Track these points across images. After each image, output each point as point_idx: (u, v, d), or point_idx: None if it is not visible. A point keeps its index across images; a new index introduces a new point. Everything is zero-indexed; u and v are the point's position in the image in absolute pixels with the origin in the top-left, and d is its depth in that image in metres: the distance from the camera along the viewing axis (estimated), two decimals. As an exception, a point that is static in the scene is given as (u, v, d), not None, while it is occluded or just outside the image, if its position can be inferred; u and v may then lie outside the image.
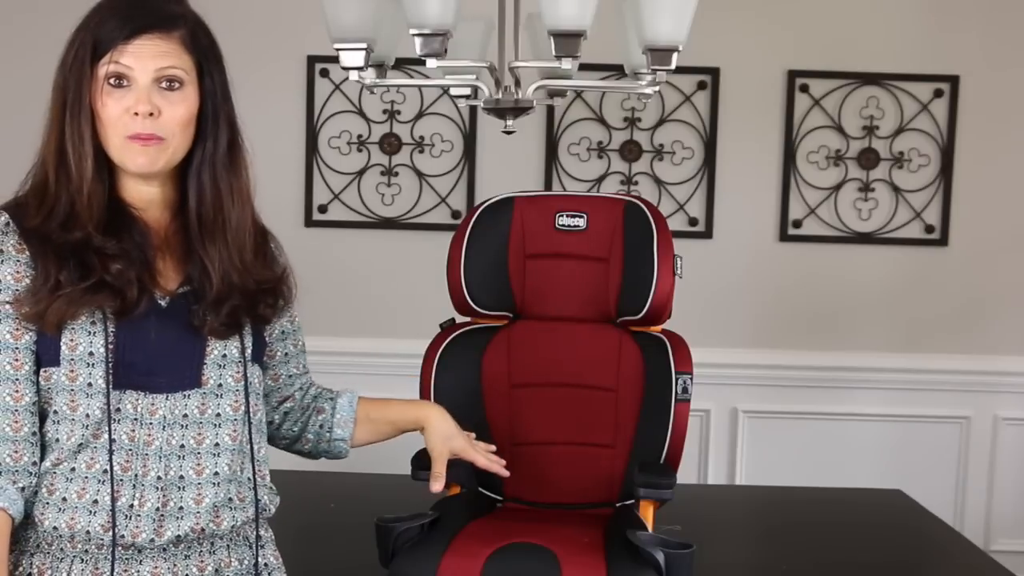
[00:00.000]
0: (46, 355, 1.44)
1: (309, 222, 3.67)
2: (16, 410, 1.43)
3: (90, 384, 1.44)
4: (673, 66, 1.80)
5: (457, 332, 2.12)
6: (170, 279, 1.51)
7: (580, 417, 2.07)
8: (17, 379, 1.44)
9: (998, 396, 3.70)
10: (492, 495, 2.09)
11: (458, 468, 1.99)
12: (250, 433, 1.55)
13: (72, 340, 1.43)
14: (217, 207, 1.52)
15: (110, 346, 1.44)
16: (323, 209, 3.68)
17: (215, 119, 1.51)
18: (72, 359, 1.44)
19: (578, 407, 2.07)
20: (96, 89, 1.43)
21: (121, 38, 1.43)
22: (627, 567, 1.73)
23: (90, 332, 1.44)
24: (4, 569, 1.41)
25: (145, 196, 1.51)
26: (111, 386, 1.44)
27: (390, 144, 3.68)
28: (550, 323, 2.12)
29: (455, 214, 3.66)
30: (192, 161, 1.51)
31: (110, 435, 1.44)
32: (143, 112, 1.43)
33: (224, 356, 1.52)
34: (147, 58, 1.43)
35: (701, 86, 3.65)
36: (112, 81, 1.44)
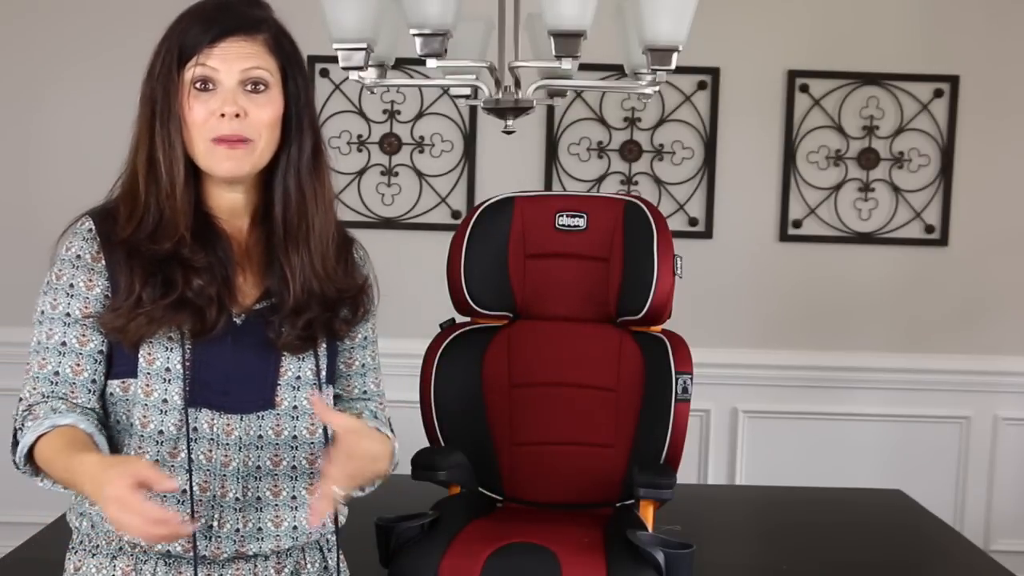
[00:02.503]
0: (125, 366, 1.44)
1: (309, 222, 3.67)
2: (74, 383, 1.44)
3: (165, 400, 1.43)
4: (673, 66, 1.80)
5: (457, 332, 2.12)
6: (247, 294, 1.49)
7: (580, 417, 2.07)
8: (74, 382, 1.44)
9: (998, 396, 3.71)
10: (492, 495, 2.09)
11: (458, 468, 2.00)
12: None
13: (150, 354, 1.43)
14: (301, 213, 1.50)
15: (187, 363, 1.43)
16: (323, 209, 3.68)
17: (299, 123, 1.50)
18: (149, 373, 1.43)
19: (578, 407, 2.07)
20: (183, 94, 1.43)
21: (206, 42, 1.43)
22: (627, 567, 1.73)
23: (167, 348, 1.43)
24: (98, 457, 1.35)
25: (230, 203, 1.50)
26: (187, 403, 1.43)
27: (390, 144, 3.68)
28: (550, 323, 2.12)
29: (455, 214, 3.66)
30: (277, 166, 1.50)
31: (189, 454, 1.44)
32: (229, 113, 1.42)
33: (298, 378, 1.50)
34: (232, 60, 1.43)
35: (701, 86, 3.65)
36: (198, 85, 1.43)
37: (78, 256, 1.45)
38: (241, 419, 1.46)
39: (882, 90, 3.64)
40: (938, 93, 3.64)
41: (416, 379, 2.08)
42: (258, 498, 1.48)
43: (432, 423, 2.06)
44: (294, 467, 1.50)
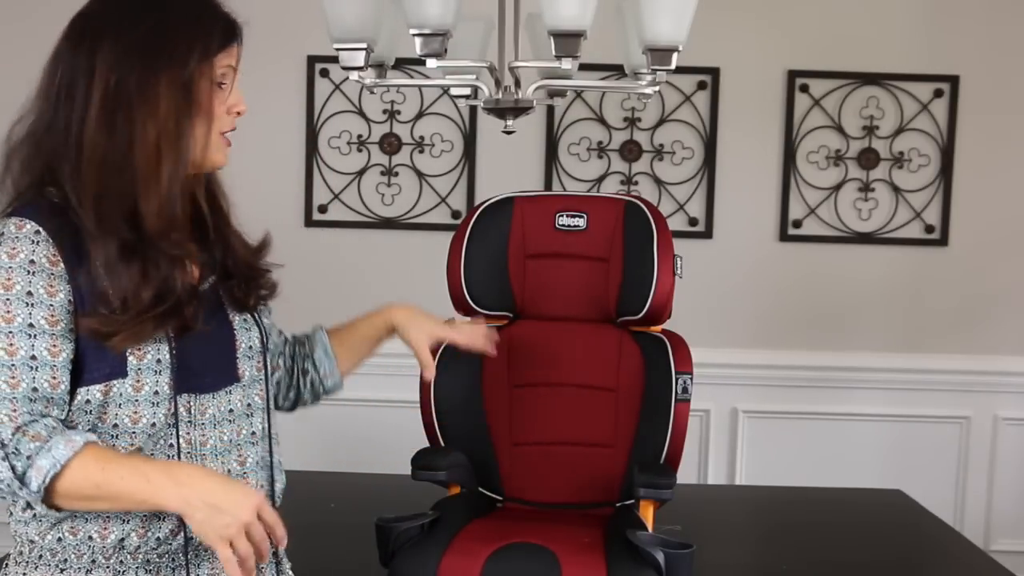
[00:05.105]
0: (105, 369, 1.38)
1: (309, 222, 3.67)
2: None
3: (156, 392, 1.41)
4: (673, 66, 1.80)
5: (457, 332, 2.12)
6: (194, 277, 1.51)
7: (580, 417, 2.07)
8: (51, 398, 1.35)
9: (998, 396, 3.71)
10: (492, 495, 2.09)
11: (458, 468, 2.00)
12: (269, 419, 1.58)
13: (140, 350, 1.40)
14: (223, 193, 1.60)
15: (174, 351, 1.43)
16: (323, 209, 3.68)
17: None
18: (139, 368, 1.40)
19: (578, 407, 2.07)
20: (208, 89, 1.47)
21: (231, 43, 1.49)
22: (627, 567, 1.73)
23: (156, 339, 1.41)
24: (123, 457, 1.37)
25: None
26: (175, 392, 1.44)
27: (390, 144, 3.68)
28: (550, 323, 2.12)
29: (455, 214, 3.66)
30: None
31: (178, 441, 1.44)
32: (244, 111, 1.51)
33: (250, 347, 1.56)
34: (235, 62, 1.51)
35: (701, 86, 3.65)
36: (222, 84, 1.49)
37: (31, 261, 1.35)
38: (213, 397, 1.49)
39: (882, 90, 3.65)
40: (938, 93, 3.64)
41: (416, 379, 2.08)
42: (228, 471, 1.50)
43: (432, 423, 2.06)
44: (253, 433, 1.55)
